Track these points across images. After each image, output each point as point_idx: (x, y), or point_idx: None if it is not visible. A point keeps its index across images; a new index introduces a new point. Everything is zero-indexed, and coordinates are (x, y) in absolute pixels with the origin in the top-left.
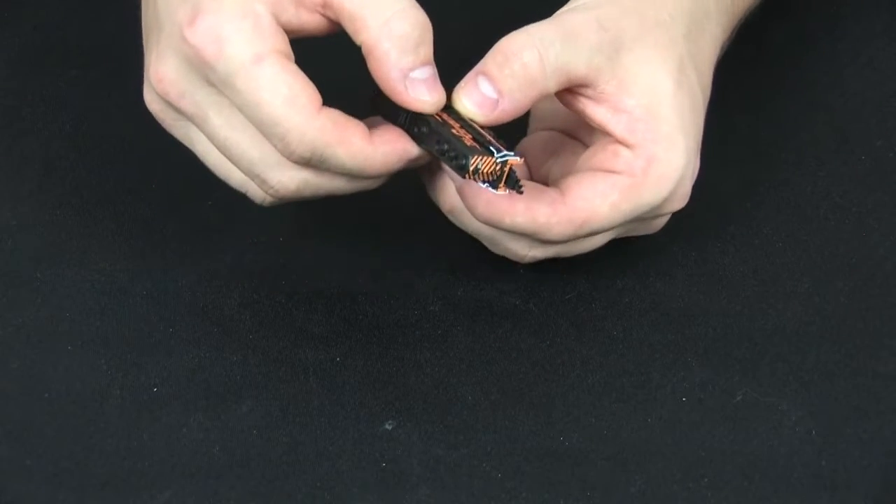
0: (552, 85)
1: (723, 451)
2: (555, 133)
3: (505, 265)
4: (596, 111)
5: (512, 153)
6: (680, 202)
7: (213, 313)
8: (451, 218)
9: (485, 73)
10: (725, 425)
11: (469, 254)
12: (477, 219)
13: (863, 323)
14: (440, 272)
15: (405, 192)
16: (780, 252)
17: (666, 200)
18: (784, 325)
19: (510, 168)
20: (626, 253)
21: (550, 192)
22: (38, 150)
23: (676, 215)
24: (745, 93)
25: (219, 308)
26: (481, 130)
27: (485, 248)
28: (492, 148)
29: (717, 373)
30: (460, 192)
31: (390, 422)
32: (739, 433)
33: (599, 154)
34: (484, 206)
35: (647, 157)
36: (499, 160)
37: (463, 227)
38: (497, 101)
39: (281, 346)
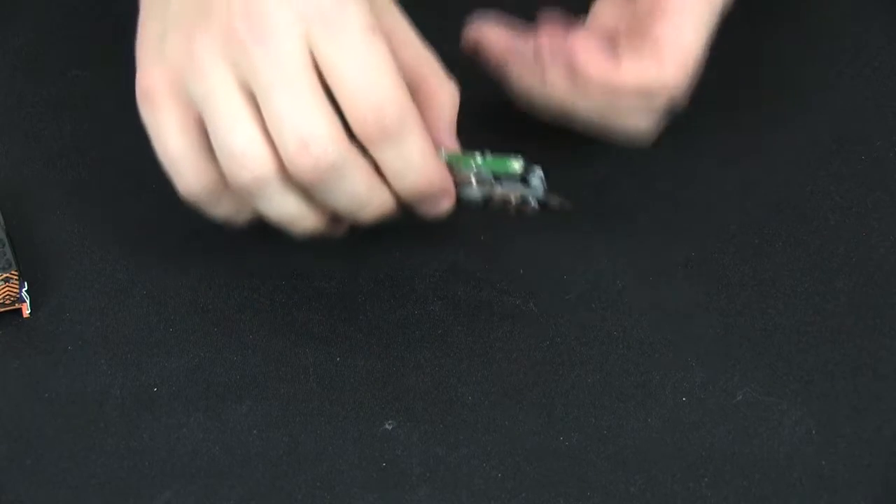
0: None
1: (723, 451)
2: None
3: (505, 265)
4: None
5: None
6: (682, 83)
7: (213, 313)
8: (566, 107)
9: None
10: (725, 425)
11: (469, 254)
12: (592, 83)
13: (863, 323)
14: (440, 272)
15: None
16: (780, 252)
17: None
18: (784, 325)
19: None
20: (626, 253)
21: (647, 42)
22: (39, 150)
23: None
24: (746, 93)
25: (219, 308)
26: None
27: (485, 248)
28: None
29: (717, 373)
30: (572, 55)
31: (390, 422)
32: (739, 433)
33: None
34: (595, 68)
35: None
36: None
37: (576, 112)
38: None
39: (281, 346)
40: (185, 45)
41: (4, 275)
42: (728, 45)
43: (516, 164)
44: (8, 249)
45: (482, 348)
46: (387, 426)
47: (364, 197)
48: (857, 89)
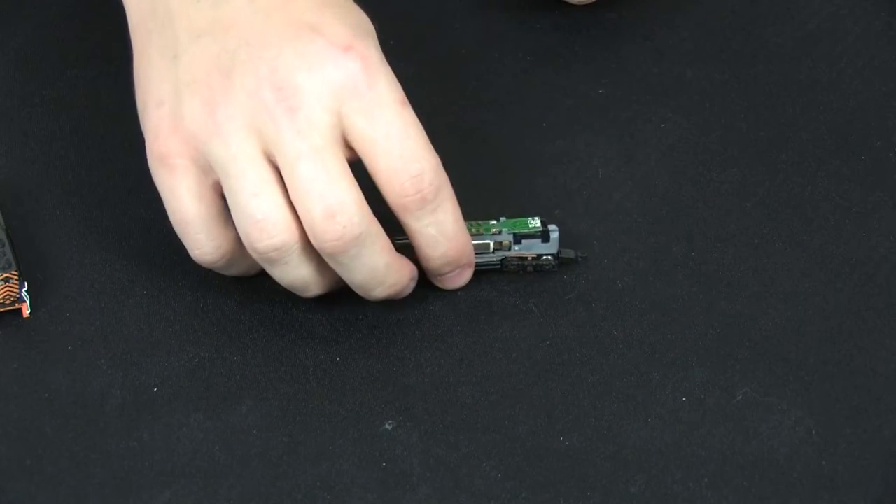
0: None
1: (723, 451)
2: None
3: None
4: None
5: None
6: None
7: (213, 313)
8: None
9: None
10: (725, 425)
11: None
12: None
13: (863, 323)
14: None
15: None
16: (780, 252)
17: None
18: (784, 325)
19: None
20: (626, 253)
21: None
22: (38, 150)
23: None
24: (745, 92)
25: (219, 308)
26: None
27: None
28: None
29: (717, 373)
30: None
31: (390, 422)
32: (739, 433)
33: None
34: None
35: None
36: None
37: None
38: None
39: (281, 346)
40: (207, 111)
41: (4, 275)
42: (728, 45)
43: (536, 222)
44: (8, 249)
45: (482, 348)
46: (387, 426)
47: (381, 273)
48: (857, 89)
